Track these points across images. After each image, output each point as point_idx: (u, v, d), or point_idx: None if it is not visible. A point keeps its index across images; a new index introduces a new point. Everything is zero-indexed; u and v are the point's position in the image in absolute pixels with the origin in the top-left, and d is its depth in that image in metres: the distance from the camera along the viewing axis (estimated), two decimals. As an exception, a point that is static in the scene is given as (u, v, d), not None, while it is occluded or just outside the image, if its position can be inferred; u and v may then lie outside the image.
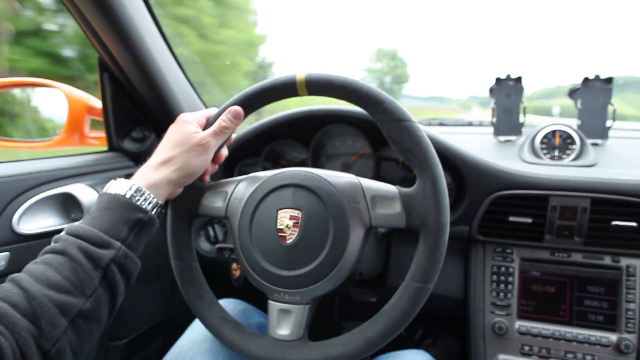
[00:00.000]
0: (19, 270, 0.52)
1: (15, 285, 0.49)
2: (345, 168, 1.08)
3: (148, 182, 0.60)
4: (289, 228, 0.62)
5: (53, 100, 1.08)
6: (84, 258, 0.52)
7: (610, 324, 0.86)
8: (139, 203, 0.58)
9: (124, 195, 0.57)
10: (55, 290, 0.49)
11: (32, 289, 0.48)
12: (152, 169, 0.62)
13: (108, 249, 0.54)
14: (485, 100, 1.28)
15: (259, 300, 0.74)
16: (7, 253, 0.80)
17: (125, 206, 0.57)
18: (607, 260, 0.87)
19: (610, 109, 1.15)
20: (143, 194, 0.59)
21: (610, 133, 1.16)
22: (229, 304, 0.84)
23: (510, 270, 0.91)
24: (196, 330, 0.80)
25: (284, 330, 0.64)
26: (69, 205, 0.92)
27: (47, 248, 0.54)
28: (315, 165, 1.08)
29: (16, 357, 0.45)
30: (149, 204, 0.59)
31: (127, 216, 0.57)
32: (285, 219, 0.63)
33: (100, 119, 1.10)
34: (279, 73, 0.68)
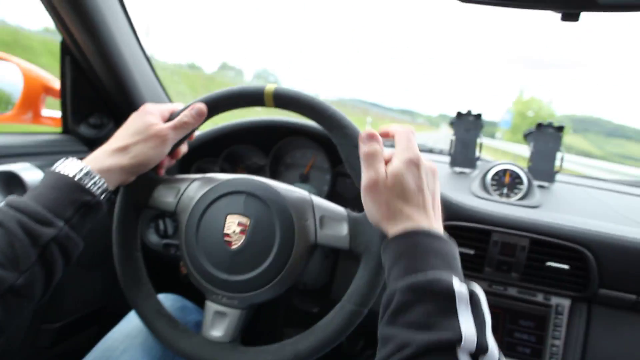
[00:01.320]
0: None
1: None
2: (303, 179, 1.08)
3: (100, 166, 0.59)
4: (236, 234, 0.63)
5: (8, 74, 1.03)
6: (23, 233, 0.50)
7: (536, 357, 0.90)
8: (87, 186, 0.57)
9: (73, 177, 0.56)
10: None
11: None
12: (106, 154, 0.61)
13: (50, 227, 0.52)
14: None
15: (200, 299, 0.73)
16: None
17: (72, 187, 0.56)
18: (539, 297, 0.91)
19: (559, 155, 1.22)
20: (93, 177, 0.57)
21: (558, 177, 1.22)
22: (168, 300, 0.83)
23: None
24: (130, 323, 0.78)
25: (217, 331, 0.64)
26: (12, 185, 0.88)
27: None
28: (274, 172, 1.08)
29: None
30: (98, 188, 0.58)
31: (74, 197, 0.55)
32: (233, 224, 0.63)
33: (58, 99, 1.07)
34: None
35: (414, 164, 0.53)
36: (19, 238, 0.50)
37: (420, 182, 0.52)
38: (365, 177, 0.54)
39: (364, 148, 0.55)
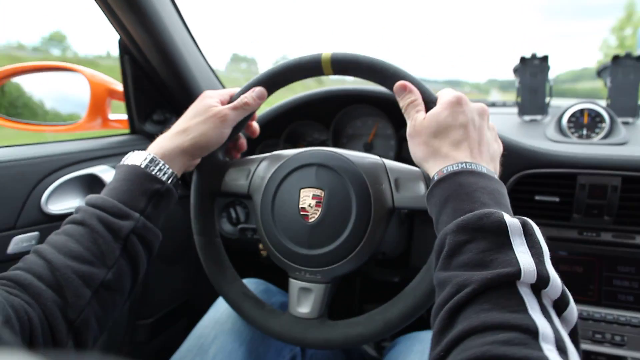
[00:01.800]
0: None
1: (38, 257, 0.50)
2: (367, 148, 1.07)
3: (163, 150, 0.60)
4: (312, 207, 0.62)
5: (76, 84, 1.08)
6: (104, 229, 0.52)
7: None
8: (154, 173, 0.58)
9: (139, 166, 0.58)
10: (78, 261, 0.50)
11: (55, 260, 0.49)
12: (167, 138, 0.62)
13: (127, 219, 0.54)
14: (505, 84, 1.26)
15: (281, 282, 0.74)
16: (36, 233, 0.82)
17: (141, 177, 0.57)
18: (639, 240, 0.84)
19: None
20: (157, 163, 0.59)
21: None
22: (251, 284, 0.85)
23: None
24: (219, 310, 0.81)
25: (304, 308, 0.64)
26: (94, 186, 0.93)
27: (68, 219, 0.55)
28: (337, 146, 1.07)
29: (44, 328, 0.46)
30: (164, 174, 0.59)
31: (145, 187, 0.57)
32: (308, 198, 0.62)
33: (122, 102, 1.11)
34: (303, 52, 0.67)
35: (456, 103, 0.53)
36: (102, 234, 0.52)
37: (462, 117, 0.52)
38: (408, 126, 0.56)
39: (401, 101, 0.57)
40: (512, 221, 0.42)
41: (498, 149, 0.57)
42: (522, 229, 0.42)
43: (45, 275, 0.48)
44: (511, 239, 0.41)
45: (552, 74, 1.17)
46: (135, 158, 0.59)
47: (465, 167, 0.48)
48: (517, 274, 0.38)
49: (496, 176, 0.50)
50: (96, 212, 0.53)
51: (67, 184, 0.89)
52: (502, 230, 0.41)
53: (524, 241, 0.41)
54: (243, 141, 0.74)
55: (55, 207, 0.86)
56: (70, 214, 0.86)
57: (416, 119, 0.55)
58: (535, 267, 0.39)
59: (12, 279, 0.47)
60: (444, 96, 0.55)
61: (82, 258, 0.50)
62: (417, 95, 0.57)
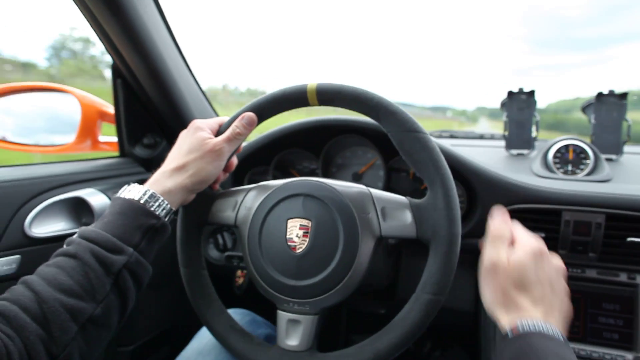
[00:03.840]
0: (29, 274, 0.51)
1: (26, 288, 0.49)
2: (356, 178, 1.07)
3: (163, 188, 0.60)
4: (299, 238, 0.62)
5: (67, 105, 1.08)
6: (96, 263, 0.52)
7: (626, 342, 0.83)
8: (152, 209, 0.58)
9: (138, 201, 0.57)
10: (67, 295, 0.49)
11: (43, 292, 0.48)
12: (166, 175, 0.62)
13: (120, 254, 0.53)
14: (495, 112, 1.28)
15: (264, 310, 0.73)
16: (18, 256, 0.81)
17: (138, 211, 0.57)
18: (623, 277, 0.85)
19: (624, 124, 1.14)
20: (157, 199, 0.58)
21: (625, 149, 1.15)
22: (236, 314, 0.83)
23: None
24: (202, 340, 0.79)
25: (292, 340, 0.63)
26: (80, 210, 0.92)
27: (59, 251, 0.54)
28: (326, 175, 1.08)
29: None
30: (162, 210, 0.59)
31: (140, 222, 0.56)
32: (295, 228, 0.62)
33: (113, 124, 1.11)
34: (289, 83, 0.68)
35: (538, 255, 0.53)
36: (94, 268, 0.51)
37: (542, 274, 0.53)
38: (487, 256, 0.55)
39: (493, 225, 0.57)
40: None
41: (567, 306, 0.56)
42: None
43: (32, 308, 0.47)
44: None
45: (543, 104, 1.20)
46: (133, 192, 0.58)
47: (541, 328, 0.48)
48: None
49: (565, 341, 0.50)
50: (90, 246, 0.53)
51: (52, 206, 0.88)
52: None
53: None
54: (233, 160, 0.74)
55: (39, 230, 0.84)
56: (54, 237, 0.87)
57: (500, 255, 0.54)
58: None
59: None
60: (525, 242, 0.55)
61: (71, 292, 0.49)
62: (510, 232, 0.57)
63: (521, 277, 0.52)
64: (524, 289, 0.52)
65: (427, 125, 0.66)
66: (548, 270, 0.53)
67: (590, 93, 1.19)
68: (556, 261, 0.56)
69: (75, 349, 0.49)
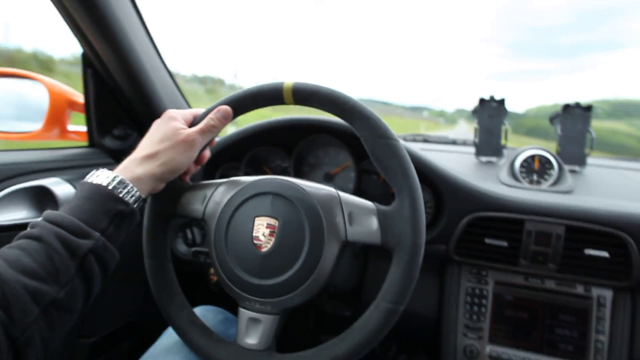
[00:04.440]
0: None
1: None
2: (327, 179, 1.08)
3: (132, 175, 0.59)
4: (265, 236, 0.62)
5: (34, 92, 1.06)
6: (61, 246, 0.51)
7: (580, 354, 0.86)
8: (121, 195, 0.57)
9: (106, 186, 0.56)
10: (29, 277, 0.48)
11: (5, 274, 0.47)
12: (136, 163, 0.61)
13: (87, 238, 0.52)
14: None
15: (235, 307, 0.73)
16: (-25, 244, 0.78)
17: (106, 197, 0.56)
18: (579, 289, 0.87)
19: (588, 136, 1.18)
20: (126, 186, 0.57)
21: (589, 160, 1.19)
22: (209, 312, 0.82)
23: (485, 292, 0.92)
24: (170, 337, 0.78)
25: (252, 339, 0.63)
26: (43, 199, 0.90)
27: (22, 233, 0.52)
28: (297, 173, 1.08)
29: None
30: (131, 197, 0.58)
31: (108, 207, 0.55)
32: (262, 227, 0.62)
33: (82, 113, 1.09)
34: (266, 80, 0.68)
35: None
36: (58, 251, 0.50)
37: None
38: None
39: None
40: None
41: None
42: None
43: None
44: None
45: (523, 108, 1.23)
46: (102, 177, 0.57)
47: None
48: None
49: None
50: (55, 229, 0.51)
51: (14, 194, 0.85)
52: None
53: None
54: (205, 153, 0.73)
55: (1, 217, 0.82)
56: (15, 225, 0.84)
57: None
58: None
59: None
60: None
61: (34, 274, 0.48)
62: None
63: None
64: None
65: (405, 125, 0.67)
66: None
67: (569, 100, 1.22)
68: None
69: (36, 333, 0.48)
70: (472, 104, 1.30)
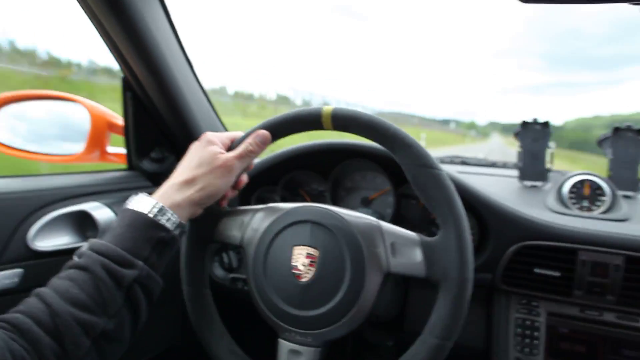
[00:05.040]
0: (31, 288, 0.51)
1: (39, 301, 0.48)
2: (365, 203, 1.05)
3: (171, 202, 0.59)
4: (305, 266, 0.60)
5: (76, 114, 1.07)
6: (108, 277, 0.51)
7: None
8: (161, 222, 0.56)
9: (147, 214, 0.56)
10: (79, 309, 0.49)
11: (56, 306, 0.48)
12: (175, 188, 0.61)
13: (131, 268, 0.53)
14: (507, 127, 1.26)
15: (266, 343, 0.71)
16: (21, 270, 0.79)
17: (148, 224, 0.56)
18: None
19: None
20: (165, 213, 0.57)
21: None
22: None
23: (537, 324, 0.87)
24: None
25: None
26: (84, 224, 0.91)
27: (70, 263, 0.53)
28: (334, 198, 1.06)
29: None
30: (171, 224, 0.58)
31: (150, 235, 0.55)
32: (302, 256, 0.61)
33: (121, 136, 1.10)
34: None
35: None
36: (105, 282, 0.51)
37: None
38: None
39: None
40: None
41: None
42: None
43: (45, 321, 0.47)
44: None
45: (560, 121, 1.18)
46: (142, 204, 0.57)
47: None
48: None
49: None
50: (100, 259, 0.52)
51: (56, 220, 0.87)
52: None
53: None
54: (242, 178, 0.72)
55: (43, 243, 0.83)
56: (58, 251, 0.85)
57: None
58: None
59: (10, 322, 0.46)
60: None
61: (83, 305, 0.49)
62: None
63: None
64: None
65: (435, 137, 0.65)
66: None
67: (607, 112, 1.17)
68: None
69: None
70: (505, 116, 1.26)
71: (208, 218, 0.68)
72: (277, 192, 1.09)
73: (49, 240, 0.84)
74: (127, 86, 1.04)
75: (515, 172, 1.23)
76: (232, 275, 1.02)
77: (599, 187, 1.02)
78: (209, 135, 0.66)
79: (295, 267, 0.60)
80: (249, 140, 0.66)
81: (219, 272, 1.05)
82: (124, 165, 1.14)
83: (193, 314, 0.68)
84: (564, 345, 0.85)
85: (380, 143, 0.63)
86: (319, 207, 0.64)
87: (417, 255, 0.59)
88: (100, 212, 0.90)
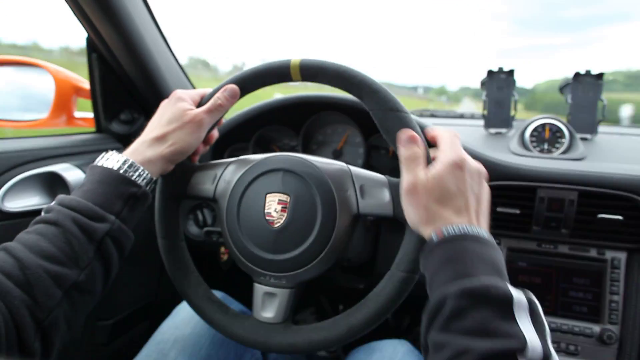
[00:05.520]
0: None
1: (8, 255, 0.48)
2: (336, 155, 1.07)
3: (142, 157, 0.59)
4: (277, 212, 0.62)
5: (40, 79, 1.05)
6: (79, 231, 0.51)
7: (593, 315, 0.87)
8: (132, 178, 0.57)
9: (117, 170, 0.57)
10: (50, 261, 0.49)
11: (25, 259, 0.48)
12: (145, 145, 0.61)
13: (102, 222, 0.53)
14: (479, 92, 1.29)
15: (241, 294, 0.73)
16: (-9, 230, 0.79)
17: (118, 180, 0.56)
18: (593, 253, 0.88)
19: (600, 104, 1.16)
20: (137, 169, 0.58)
21: (600, 129, 1.17)
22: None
23: None
24: (178, 316, 0.80)
25: (268, 312, 0.64)
26: (54, 185, 0.90)
27: (38, 218, 0.53)
28: (306, 152, 1.07)
29: (9, 327, 0.44)
30: (142, 179, 0.58)
31: (121, 190, 0.56)
32: (274, 203, 0.62)
33: (88, 99, 1.09)
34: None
35: (457, 166, 0.52)
36: (76, 235, 0.51)
37: (462, 184, 0.51)
38: (405, 180, 0.54)
39: (403, 151, 0.55)
40: (518, 296, 0.41)
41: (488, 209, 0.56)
42: (528, 305, 0.41)
43: (15, 274, 0.47)
44: (515, 313, 0.40)
45: (530, 84, 1.21)
46: (112, 161, 0.58)
47: (467, 231, 0.47)
48: (523, 349, 0.37)
49: (495, 245, 0.49)
50: (71, 214, 0.52)
51: (26, 181, 0.86)
52: (507, 302, 0.41)
53: (529, 317, 0.41)
54: (213, 133, 0.73)
55: (12, 204, 0.83)
56: (28, 212, 0.85)
57: (417, 176, 0.52)
58: (541, 345, 0.38)
59: None
60: (446, 154, 0.53)
61: (54, 258, 0.49)
62: (422, 149, 0.55)
63: (441, 191, 0.50)
64: (445, 202, 0.50)
65: (407, 104, 0.66)
66: (469, 179, 0.52)
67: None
68: (476, 165, 0.55)
69: (61, 314, 0.49)
70: (477, 81, 1.28)
71: (180, 173, 0.69)
72: (249, 149, 1.10)
73: (18, 200, 0.84)
74: (91, 47, 1.01)
75: (481, 123, 1.26)
76: (206, 228, 1.04)
77: (558, 130, 1.06)
78: (178, 92, 0.66)
79: (268, 214, 0.62)
80: (218, 94, 0.66)
81: (193, 229, 1.07)
82: (92, 129, 1.13)
83: (169, 265, 0.69)
84: (522, 278, 0.91)
85: (348, 91, 0.63)
86: (290, 155, 0.66)
87: (385, 195, 0.61)
88: (71, 173, 0.90)
